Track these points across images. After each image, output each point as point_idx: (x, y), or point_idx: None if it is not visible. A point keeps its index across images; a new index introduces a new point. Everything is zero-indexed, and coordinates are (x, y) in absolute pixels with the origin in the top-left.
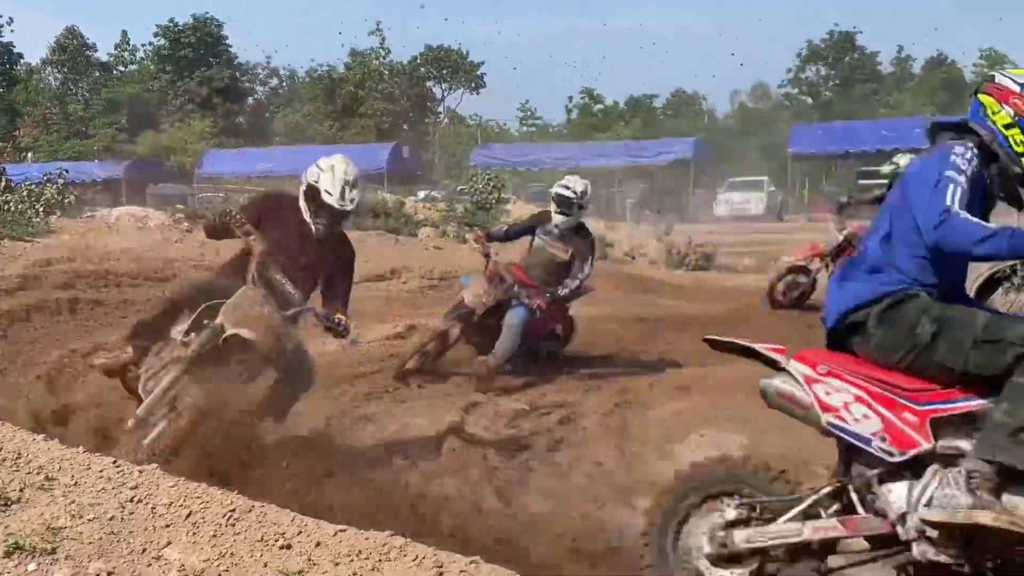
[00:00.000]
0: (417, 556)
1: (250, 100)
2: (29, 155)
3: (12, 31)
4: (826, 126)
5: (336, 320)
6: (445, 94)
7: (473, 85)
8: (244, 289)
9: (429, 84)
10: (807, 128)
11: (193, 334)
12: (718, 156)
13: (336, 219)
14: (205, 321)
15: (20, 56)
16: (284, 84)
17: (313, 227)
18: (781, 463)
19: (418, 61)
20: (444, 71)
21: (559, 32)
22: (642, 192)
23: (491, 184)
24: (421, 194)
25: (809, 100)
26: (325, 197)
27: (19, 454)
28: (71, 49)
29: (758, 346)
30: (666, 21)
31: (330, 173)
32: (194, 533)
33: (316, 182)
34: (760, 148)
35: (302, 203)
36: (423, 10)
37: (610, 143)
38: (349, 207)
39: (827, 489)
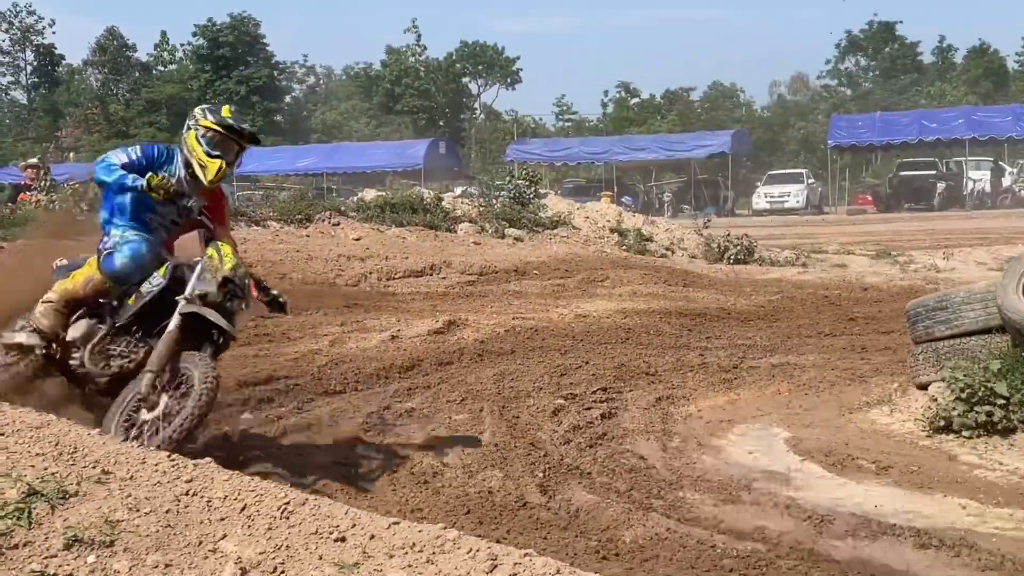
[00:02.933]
0: (471, 549)
1: (288, 98)
2: (71, 155)
3: (54, 33)
4: (866, 117)
5: None
6: (481, 90)
7: (509, 80)
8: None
9: (465, 80)
10: (846, 119)
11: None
12: (756, 149)
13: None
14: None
15: (62, 58)
16: (321, 82)
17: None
18: (828, 457)
19: (454, 57)
20: (480, 67)
21: (595, 25)
22: (680, 186)
23: (528, 179)
24: (458, 190)
25: (848, 91)
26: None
27: (75, 448)
28: (111, 50)
29: None
30: (703, 13)
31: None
32: (249, 526)
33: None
34: (799, 140)
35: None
36: (458, 6)
37: (647, 136)
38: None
39: None
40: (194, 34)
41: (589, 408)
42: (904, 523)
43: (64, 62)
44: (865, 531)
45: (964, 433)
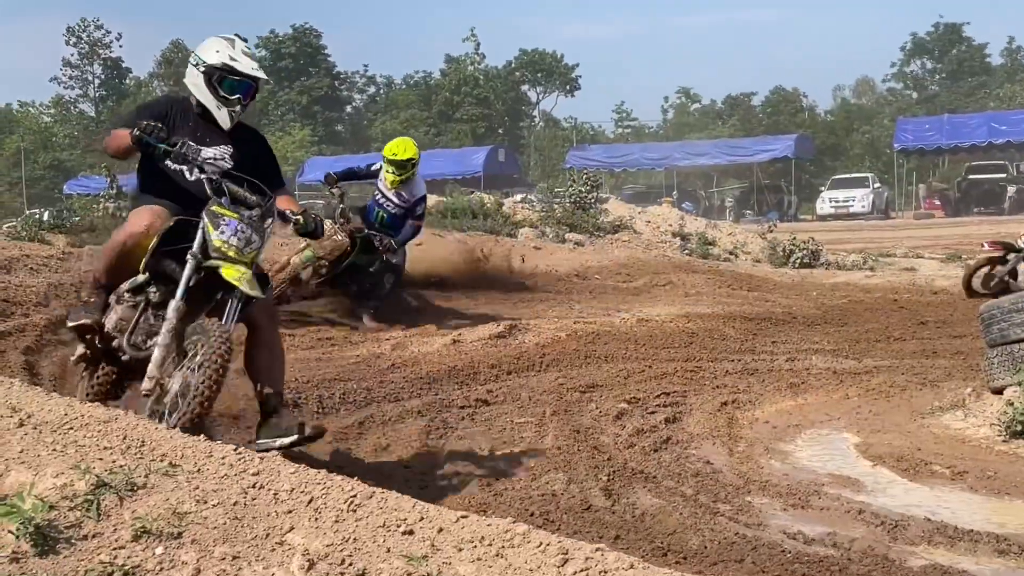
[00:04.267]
0: (541, 543)
1: (348, 108)
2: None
3: (121, 46)
4: (933, 120)
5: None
6: (540, 97)
7: (568, 87)
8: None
9: (524, 88)
10: (913, 122)
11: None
12: (820, 153)
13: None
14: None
15: (129, 71)
16: (381, 91)
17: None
18: (900, 462)
19: (513, 65)
20: (539, 74)
21: (654, 31)
22: (742, 191)
23: (589, 184)
24: (518, 196)
25: (914, 95)
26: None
27: (143, 442)
28: (177, 62)
29: None
30: (764, 16)
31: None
32: (316, 519)
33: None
34: (864, 144)
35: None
36: (517, 14)
37: (707, 142)
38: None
39: None
40: (257, 46)
41: (653, 412)
42: (982, 529)
43: (131, 75)
44: (941, 537)
45: None
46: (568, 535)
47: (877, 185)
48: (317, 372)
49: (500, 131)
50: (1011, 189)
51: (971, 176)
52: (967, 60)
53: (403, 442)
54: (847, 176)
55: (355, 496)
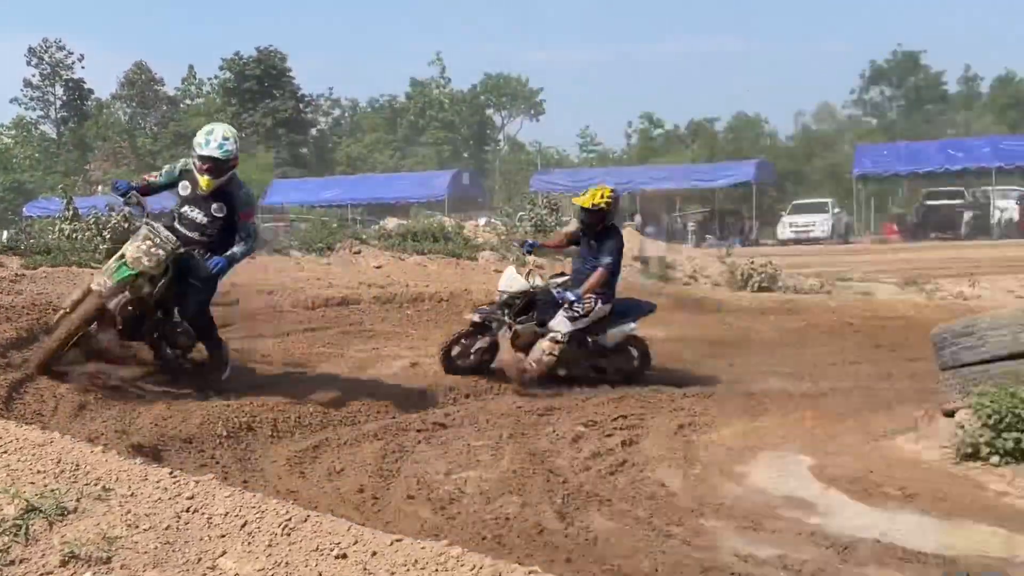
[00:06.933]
0: (475, 566)
1: (313, 131)
2: (99, 188)
3: (83, 67)
4: (891, 146)
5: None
6: (505, 121)
7: (533, 112)
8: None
9: (489, 112)
10: (872, 148)
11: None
12: (781, 178)
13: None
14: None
15: (91, 92)
16: (346, 114)
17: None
18: (853, 485)
19: (478, 89)
20: (504, 98)
21: (619, 57)
22: (704, 215)
23: (548, 207)
24: (482, 220)
25: (873, 121)
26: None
27: (77, 465)
28: (140, 84)
29: None
30: (728, 45)
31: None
32: (249, 543)
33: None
34: (824, 170)
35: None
36: (482, 38)
37: (670, 166)
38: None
39: None
40: (221, 68)
41: (610, 435)
42: (931, 551)
43: (93, 96)
44: (891, 558)
45: (992, 460)
46: (519, 558)
47: (837, 210)
48: (271, 394)
49: (465, 155)
50: (967, 214)
51: (928, 202)
52: (925, 88)
53: (358, 466)
54: (807, 201)
55: (290, 520)
